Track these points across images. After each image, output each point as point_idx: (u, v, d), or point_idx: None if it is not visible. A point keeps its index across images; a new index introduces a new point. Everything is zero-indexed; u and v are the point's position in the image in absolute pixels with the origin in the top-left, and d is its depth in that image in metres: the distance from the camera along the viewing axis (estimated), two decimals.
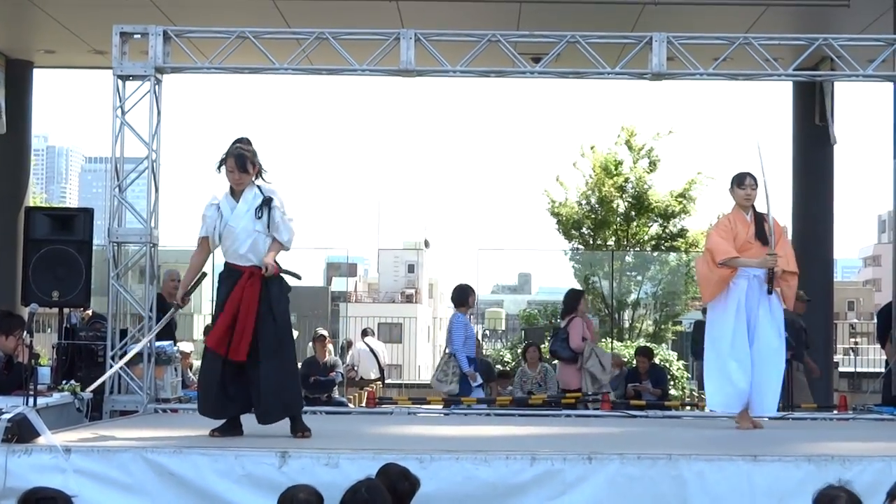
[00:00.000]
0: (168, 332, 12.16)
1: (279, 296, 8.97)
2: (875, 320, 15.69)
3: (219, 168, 8.98)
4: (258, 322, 8.81)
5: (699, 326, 14.41)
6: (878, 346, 15.14)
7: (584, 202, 30.17)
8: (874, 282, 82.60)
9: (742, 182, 10.25)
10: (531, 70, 12.36)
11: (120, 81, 11.72)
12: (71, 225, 12.36)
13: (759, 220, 10.26)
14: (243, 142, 9.01)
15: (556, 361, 15.29)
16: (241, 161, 8.88)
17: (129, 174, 11.84)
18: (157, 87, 11.71)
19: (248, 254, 8.90)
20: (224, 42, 11.93)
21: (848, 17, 15.17)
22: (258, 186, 9.00)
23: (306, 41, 12.01)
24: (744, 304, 10.16)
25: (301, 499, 6.07)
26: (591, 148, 30.13)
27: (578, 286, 30.27)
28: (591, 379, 14.15)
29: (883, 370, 14.55)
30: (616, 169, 29.52)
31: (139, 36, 11.82)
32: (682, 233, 29.86)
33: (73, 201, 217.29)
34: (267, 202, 8.91)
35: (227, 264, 9.06)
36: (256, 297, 8.81)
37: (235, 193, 8.99)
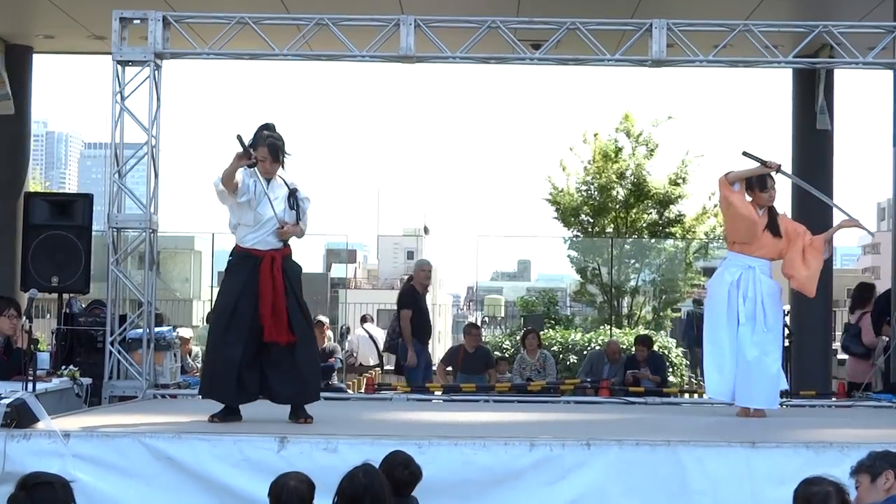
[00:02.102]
0: None
1: (297, 278, 9.10)
2: (873, 308, 15.67)
3: (252, 165, 8.94)
4: (288, 303, 8.91)
5: (691, 318, 14.44)
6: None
7: (583, 188, 30.13)
8: (873, 269, 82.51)
9: (766, 186, 10.15)
10: (531, 57, 12.36)
11: (119, 67, 11.73)
12: (70, 210, 12.36)
13: (773, 213, 10.23)
14: (271, 128, 9.05)
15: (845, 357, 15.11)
16: (275, 151, 8.95)
17: (129, 160, 11.84)
18: (156, 72, 11.72)
19: (271, 238, 8.96)
20: (224, 28, 11.93)
21: (848, 5, 15.13)
22: (280, 176, 9.08)
23: (306, 27, 12.00)
24: (736, 294, 10.14)
25: (292, 486, 6.07)
26: (595, 135, 30.08)
27: (577, 274, 30.31)
28: (881, 375, 13.94)
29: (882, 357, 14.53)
30: (616, 156, 29.48)
31: (139, 21, 11.83)
32: (679, 218, 29.81)
33: (72, 187, 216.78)
34: (293, 192, 9.04)
35: (241, 250, 9.04)
36: (282, 278, 8.91)
37: (264, 179, 8.99)
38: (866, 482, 6.12)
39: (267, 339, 8.81)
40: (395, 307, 15.02)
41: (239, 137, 8.83)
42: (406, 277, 14.90)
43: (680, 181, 29.49)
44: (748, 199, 10.19)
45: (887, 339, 13.47)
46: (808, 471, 6.47)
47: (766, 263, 10.24)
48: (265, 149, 8.89)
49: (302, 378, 8.92)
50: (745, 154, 10.26)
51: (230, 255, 9.18)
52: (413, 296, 14.18)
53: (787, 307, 17.39)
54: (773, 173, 10.18)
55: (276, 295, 8.83)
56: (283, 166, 9.11)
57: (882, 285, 17.12)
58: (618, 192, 29.58)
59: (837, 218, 11.20)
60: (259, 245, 8.95)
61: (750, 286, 10.12)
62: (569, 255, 30.24)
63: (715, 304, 10.34)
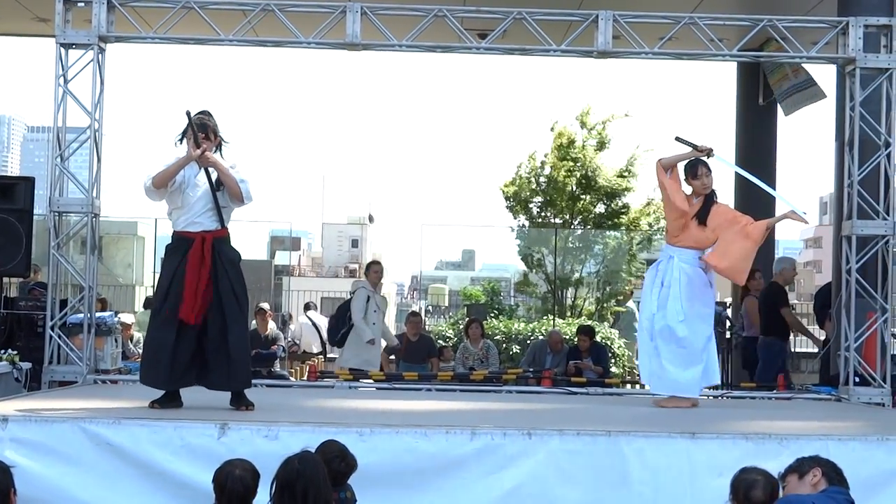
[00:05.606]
0: None
1: (232, 262, 8.96)
2: (814, 301, 15.83)
3: (180, 139, 8.99)
4: (220, 286, 8.81)
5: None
6: (817, 326, 15.27)
7: (533, 179, 30.17)
8: (815, 263, 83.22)
9: (696, 174, 10.12)
10: (477, 46, 12.37)
11: (63, 50, 11.62)
12: (12, 194, 12.24)
13: (707, 202, 10.19)
14: (204, 113, 9.08)
15: None
16: (204, 130, 8.92)
17: (72, 144, 11.74)
18: (100, 56, 11.62)
19: (202, 219, 8.89)
20: (169, 12, 11.85)
21: None
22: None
23: (252, 12, 11.96)
24: (656, 282, 10.21)
25: (237, 475, 6.04)
26: (552, 128, 30.09)
27: (522, 263, 30.36)
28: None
29: (821, 351, 14.67)
30: (569, 148, 29.50)
31: (83, 4, 11.73)
32: (624, 209, 29.88)
33: (14, 170, 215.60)
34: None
35: (175, 234, 9.01)
36: (210, 261, 8.80)
37: (197, 163, 8.95)
38: (794, 480, 6.23)
39: (181, 316, 8.71)
40: (339, 295, 14.94)
41: (188, 114, 8.87)
42: (772, 278, 14.97)
43: (626, 174, 29.59)
44: (689, 190, 10.20)
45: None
46: (747, 461, 6.53)
47: (687, 253, 10.17)
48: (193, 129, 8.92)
49: (230, 364, 8.83)
50: (677, 139, 10.31)
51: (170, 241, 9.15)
52: (786, 293, 14.74)
53: (729, 300, 17.52)
54: (704, 157, 10.18)
55: (201, 276, 8.75)
56: (218, 149, 9.05)
57: (823, 279, 17.27)
58: (565, 184, 29.61)
59: (780, 205, 11.26)
60: (191, 227, 8.88)
61: (667, 275, 10.17)
62: (517, 244, 30.25)
63: (643, 293, 10.50)
